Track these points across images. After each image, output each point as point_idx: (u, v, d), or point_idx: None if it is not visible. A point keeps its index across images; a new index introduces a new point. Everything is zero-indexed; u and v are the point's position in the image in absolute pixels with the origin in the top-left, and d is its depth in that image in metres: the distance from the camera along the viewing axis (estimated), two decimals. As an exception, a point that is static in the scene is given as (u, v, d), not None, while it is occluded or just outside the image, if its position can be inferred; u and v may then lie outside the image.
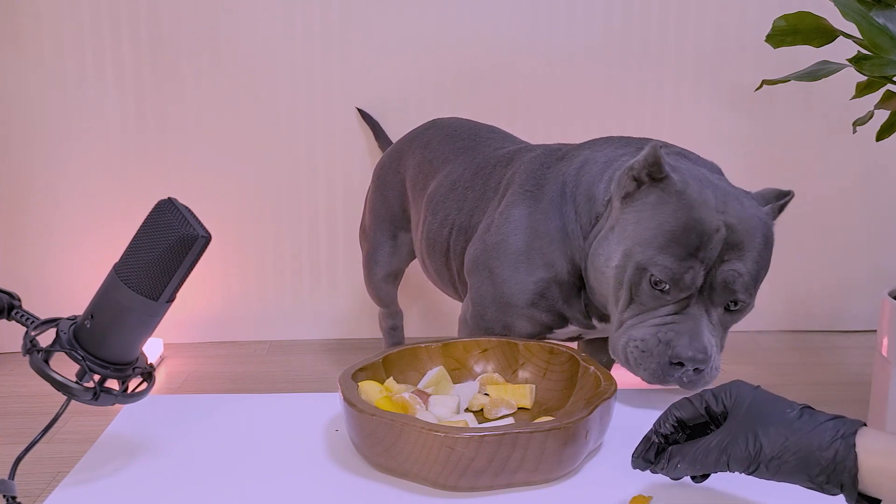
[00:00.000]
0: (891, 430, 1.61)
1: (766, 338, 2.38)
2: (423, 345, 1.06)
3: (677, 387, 1.00)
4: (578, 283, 1.13)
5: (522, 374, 1.05)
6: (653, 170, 1.00)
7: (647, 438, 0.77)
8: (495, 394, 1.01)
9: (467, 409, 1.00)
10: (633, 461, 0.77)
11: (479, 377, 1.04)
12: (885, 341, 1.62)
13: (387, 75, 2.22)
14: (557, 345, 1.05)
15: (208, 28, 2.18)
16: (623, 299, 1.01)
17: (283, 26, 2.19)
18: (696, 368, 0.96)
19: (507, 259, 1.18)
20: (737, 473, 0.71)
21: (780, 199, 1.07)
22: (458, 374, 1.05)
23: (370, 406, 0.86)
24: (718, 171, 1.13)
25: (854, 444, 0.64)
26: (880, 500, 0.64)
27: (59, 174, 2.23)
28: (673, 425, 0.76)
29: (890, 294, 1.64)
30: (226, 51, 2.19)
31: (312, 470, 0.87)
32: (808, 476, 0.66)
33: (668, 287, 0.96)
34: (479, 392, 1.02)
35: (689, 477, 0.76)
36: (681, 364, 0.96)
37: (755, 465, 0.68)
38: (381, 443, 0.84)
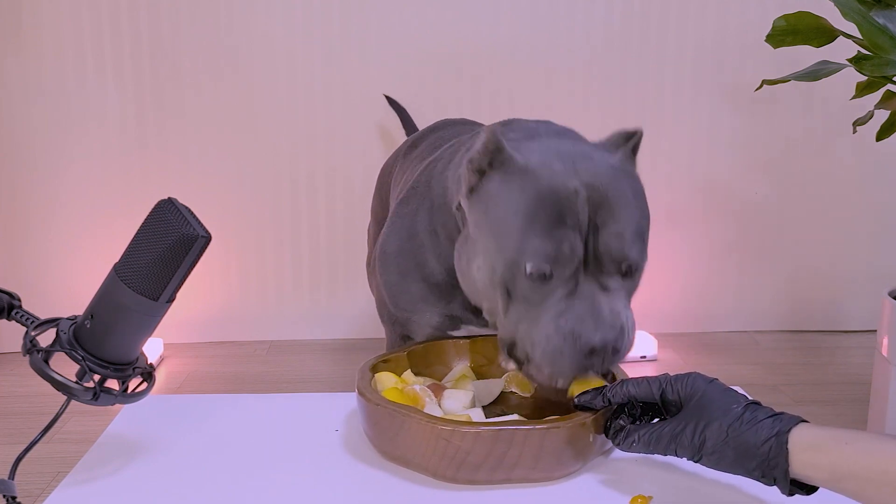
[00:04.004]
0: (891, 431, 1.61)
1: (766, 338, 2.38)
2: (450, 340, 1.07)
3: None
4: (454, 282, 1.02)
5: None
6: (495, 155, 0.89)
7: (595, 392, 0.83)
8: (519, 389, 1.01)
9: (490, 405, 1.00)
10: (576, 402, 0.84)
11: (506, 375, 1.04)
12: (885, 341, 1.62)
13: (386, 76, 2.22)
14: None
15: (208, 29, 2.18)
16: (501, 301, 0.89)
17: (282, 27, 2.19)
18: (614, 348, 0.84)
19: (385, 262, 1.14)
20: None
21: (628, 141, 0.94)
22: (487, 370, 1.05)
23: (377, 396, 0.88)
24: (573, 135, 1.02)
25: (786, 441, 0.69)
26: (817, 488, 0.70)
27: (60, 174, 2.23)
28: (623, 398, 0.82)
29: (890, 294, 1.64)
30: (225, 52, 2.19)
31: (312, 470, 0.87)
32: (744, 470, 0.72)
33: (549, 272, 0.84)
34: (505, 389, 1.02)
35: (686, 474, 0.77)
36: (594, 351, 0.83)
37: (698, 456, 0.74)
38: (385, 432, 0.86)
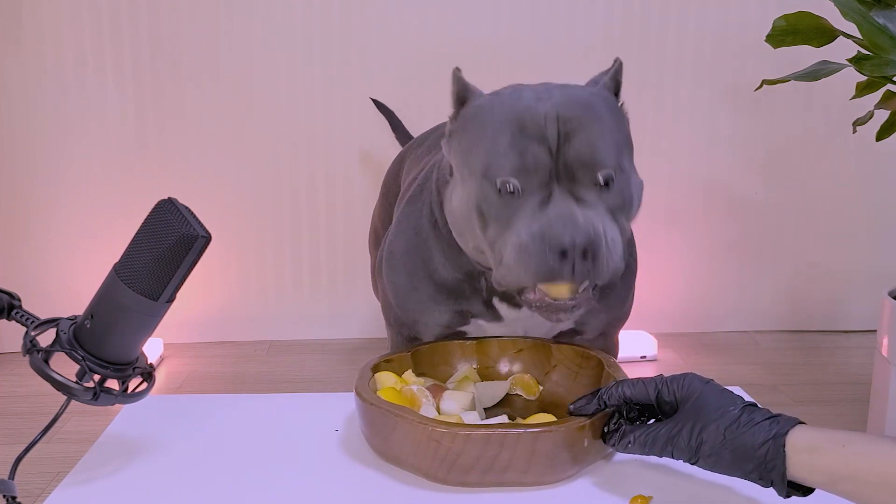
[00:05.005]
0: (891, 431, 1.61)
1: (766, 338, 2.38)
2: (457, 341, 1.06)
3: None
4: (462, 277, 1.05)
5: (554, 376, 1.03)
6: (463, 94, 0.94)
7: (590, 396, 0.83)
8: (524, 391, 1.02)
9: (495, 406, 1.00)
10: (570, 409, 0.83)
11: (511, 377, 1.04)
12: (885, 341, 1.62)
13: (385, 76, 2.22)
14: (588, 349, 1.02)
15: (208, 29, 2.18)
16: (479, 227, 0.89)
17: (282, 28, 2.19)
18: (587, 251, 0.81)
19: (392, 263, 1.13)
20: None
21: (607, 74, 0.98)
22: (491, 372, 1.05)
23: (372, 396, 0.87)
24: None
25: (784, 444, 0.69)
26: (814, 490, 0.70)
27: (60, 174, 2.23)
28: (618, 399, 0.81)
29: (890, 294, 1.64)
30: (225, 52, 2.19)
31: (312, 470, 0.87)
32: (742, 472, 0.72)
33: (518, 185, 0.84)
34: (510, 392, 1.02)
35: (685, 476, 0.77)
36: (565, 253, 0.81)
37: (695, 458, 0.74)
38: (379, 432, 0.86)
